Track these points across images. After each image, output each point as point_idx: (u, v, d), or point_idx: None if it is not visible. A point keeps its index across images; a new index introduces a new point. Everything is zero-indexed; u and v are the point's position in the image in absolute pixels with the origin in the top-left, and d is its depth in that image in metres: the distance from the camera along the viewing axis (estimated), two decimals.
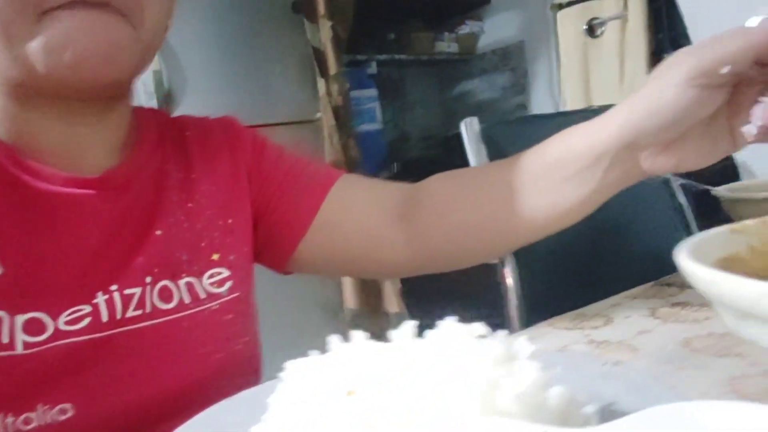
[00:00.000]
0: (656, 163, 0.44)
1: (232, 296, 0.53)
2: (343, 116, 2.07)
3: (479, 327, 0.29)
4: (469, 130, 0.81)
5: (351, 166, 2.07)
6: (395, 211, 0.58)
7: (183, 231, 0.52)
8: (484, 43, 2.81)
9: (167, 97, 1.95)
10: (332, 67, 2.02)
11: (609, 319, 0.55)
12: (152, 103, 1.90)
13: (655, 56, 1.82)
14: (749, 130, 0.38)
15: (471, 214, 0.53)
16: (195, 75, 1.92)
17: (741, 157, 1.10)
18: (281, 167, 0.59)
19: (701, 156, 0.43)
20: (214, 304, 0.51)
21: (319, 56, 2.01)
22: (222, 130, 0.59)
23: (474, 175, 0.55)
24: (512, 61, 2.70)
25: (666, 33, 1.60)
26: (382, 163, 2.54)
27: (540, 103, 2.57)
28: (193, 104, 1.89)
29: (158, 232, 0.50)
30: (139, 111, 0.56)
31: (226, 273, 0.53)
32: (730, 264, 0.32)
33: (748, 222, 0.34)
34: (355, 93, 2.27)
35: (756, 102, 0.38)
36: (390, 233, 0.57)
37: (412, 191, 0.59)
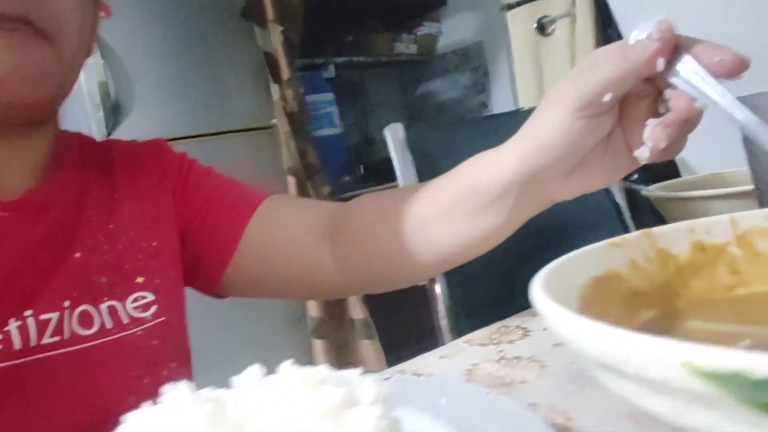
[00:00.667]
0: (562, 191, 0.42)
1: (157, 321, 0.51)
2: (299, 122, 2.03)
3: (322, 371, 0.26)
4: (393, 136, 0.78)
5: (310, 171, 2.04)
6: (323, 231, 0.57)
7: (104, 253, 0.51)
8: (444, 43, 2.80)
9: (115, 108, 1.89)
10: (285, 72, 1.98)
11: (527, 331, 0.53)
12: (99, 116, 1.85)
13: None
14: (641, 153, 0.36)
15: (389, 241, 0.52)
16: (143, 84, 1.87)
17: (681, 153, 1.08)
18: (206, 188, 0.58)
19: (606, 175, 0.41)
20: (138, 330, 0.50)
21: (271, 61, 1.98)
22: (149, 153, 0.58)
23: (395, 199, 0.53)
24: (472, 60, 2.69)
25: (614, 29, 1.59)
26: (346, 167, 2.51)
27: (501, 102, 2.57)
28: (143, 114, 1.84)
29: (77, 255, 0.49)
30: (63, 134, 0.54)
31: (150, 297, 0.52)
32: (604, 282, 0.29)
33: (629, 235, 0.32)
34: (311, 97, 2.24)
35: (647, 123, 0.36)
36: (318, 254, 0.56)
37: (340, 211, 0.58)
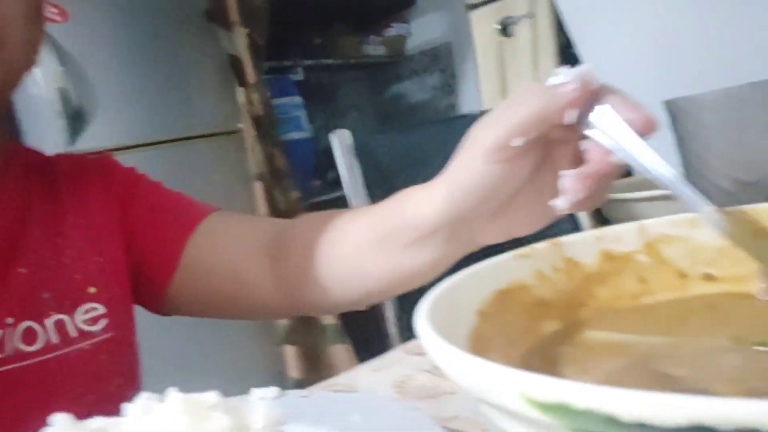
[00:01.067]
0: (488, 234, 0.41)
1: (105, 336, 0.51)
2: (266, 126, 2.01)
3: (210, 397, 0.25)
4: (340, 143, 0.77)
5: (278, 176, 2.02)
6: (265, 249, 0.55)
7: (49, 267, 0.49)
8: (413, 44, 2.80)
9: (77, 115, 1.85)
10: (251, 76, 1.96)
11: None
12: (60, 123, 1.81)
13: (566, 51, 1.83)
14: (560, 204, 0.33)
15: (323, 266, 0.51)
16: (105, 90, 1.83)
17: None
18: (150, 201, 0.57)
19: (533, 221, 0.40)
20: (85, 344, 0.49)
21: (236, 65, 1.95)
22: (97, 168, 0.57)
23: (336, 223, 0.52)
24: (441, 62, 2.70)
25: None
26: (315, 171, 2.49)
27: (468, 103, 2.57)
28: (106, 121, 1.80)
29: (21, 270, 0.48)
30: (8, 146, 0.54)
31: (101, 309, 0.51)
32: (508, 294, 0.29)
33: (537, 245, 0.31)
34: (279, 101, 2.22)
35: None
36: (259, 272, 0.55)
37: (284, 229, 0.56)
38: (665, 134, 0.54)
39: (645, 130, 0.31)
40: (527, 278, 0.30)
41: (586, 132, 0.33)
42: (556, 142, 0.37)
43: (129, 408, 0.27)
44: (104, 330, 0.50)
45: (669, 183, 0.29)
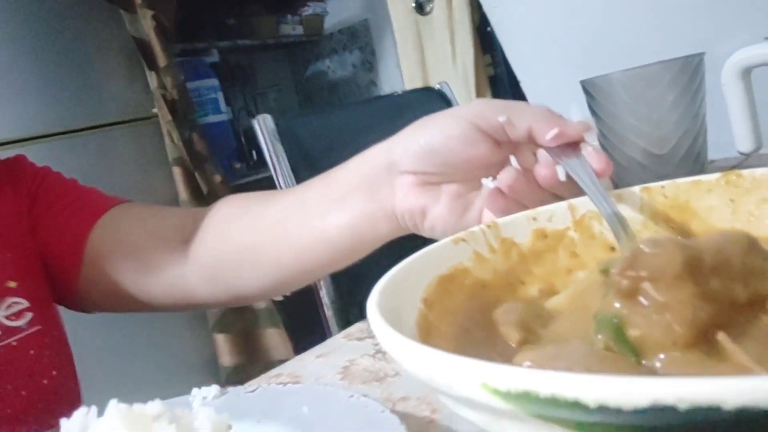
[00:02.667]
0: (408, 197, 0.42)
1: (33, 330, 0.49)
2: (182, 110, 1.94)
3: (155, 407, 0.24)
4: (263, 127, 0.75)
5: (198, 161, 1.95)
6: (178, 236, 0.55)
7: None
8: (330, 23, 2.76)
9: None
10: (161, 59, 1.87)
11: None
12: None
13: (482, 30, 1.87)
14: (486, 182, 0.38)
15: (243, 236, 0.51)
16: (1, 79, 1.69)
17: None
18: (54, 194, 0.55)
19: (448, 212, 0.41)
20: (12, 340, 0.48)
21: (144, 48, 1.86)
22: (6, 168, 0.56)
23: (257, 199, 0.52)
24: (359, 39, 2.68)
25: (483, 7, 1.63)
26: (237, 153, 2.44)
27: (389, 80, 2.58)
28: (5, 112, 1.67)
29: None
30: None
31: (25, 303, 0.49)
32: (449, 279, 0.29)
33: (474, 229, 0.32)
34: (194, 84, 2.14)
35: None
36: (172, 258, 0.54)
37: (200, 214, 0.56)
38: (584, 111, 0.57)
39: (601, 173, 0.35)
40: (466, 261, 0.31)
41: (560, 162, 0.36)
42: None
43: (66, 425, 0.25)
44: (30, 323, 0.49)
45: (608, 217, 0.30)
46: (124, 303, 0.57)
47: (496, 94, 1.93)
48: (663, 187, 0.33)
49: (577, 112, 0.38)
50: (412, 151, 0.41)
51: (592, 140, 0.38)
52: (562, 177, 0.37)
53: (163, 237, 0.55)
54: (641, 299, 0.20)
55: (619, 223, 0.30)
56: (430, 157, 0.40)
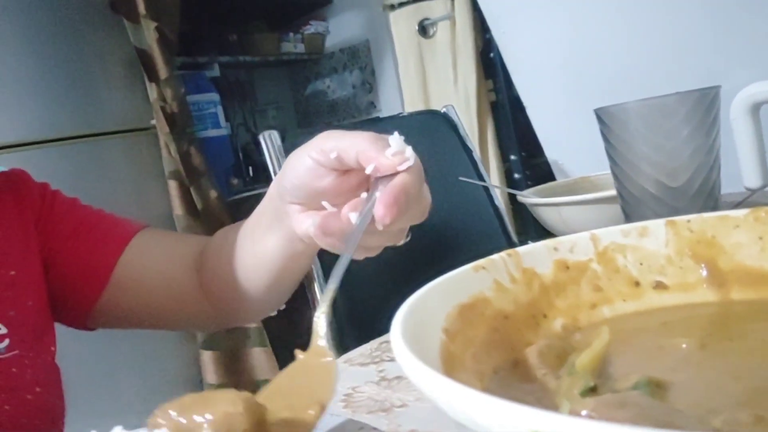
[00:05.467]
0: (299, 223, 0.46)
1: (10, 354, 0.49)
2: (181, 123, 1.92)
3: None
4: (268, 144, 0.74)
5: (194, 175, 1.94)
6: (193, 263, 0.59)
7: None
8: (332, 42, 2.78)
9: None
10: (162, 71, 1.87)
11: None
12: None
13: (485, 56, 1.88)
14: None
15: (230, 263, 0.54)
16: (2, 84, 1.68)
17: (552, 156, 1.13)
18: (72, 220, 0.57)
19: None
20: None
21: (145, 59, 1.85)
22: (8, 182, 0.56)
23: (238, 229, 0.56)
24: (360, 60, 2.69)
25: (492, 33, 1.64)
26: (234, 169, 2.42)
27: (388, 101, 2.59)
28: (3, 117, 1.66)
29: None
30: None
31: (2, 330, 0.49)
32: (471, 310, 0.28)
33: (494, 257, 0.31)
34: (194, 97, 2.13)
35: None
36: (190, 285, 0.58)
37: (206, 242, 0.60)
38: (597, 140, 0.56)
39: (380, 219, 0.36)
40: (487, 291, 0.30)
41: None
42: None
43: None
44: (8, 348, 0.49)
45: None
46: (137, 322, 0.61)
47: (498, 119, 1.93)
48: (689, 221, 0.32)
49: (396, 142, 0.39)
50: (285, 187, 0.45)
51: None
52: (354, 220, 0.39)
53: (183, 262, 0.59)
54: None
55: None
56: (296, 191, 0.44)
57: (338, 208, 0.43)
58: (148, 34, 1.81)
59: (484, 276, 0.30)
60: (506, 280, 0.30)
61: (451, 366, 0.24)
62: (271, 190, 0.49)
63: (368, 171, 0.39)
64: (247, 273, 0.53)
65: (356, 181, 0.42)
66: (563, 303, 0.31)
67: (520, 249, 0.32)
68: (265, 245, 0.50)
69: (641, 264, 0.32)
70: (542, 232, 0.69)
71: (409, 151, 0.38)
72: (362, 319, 0.74)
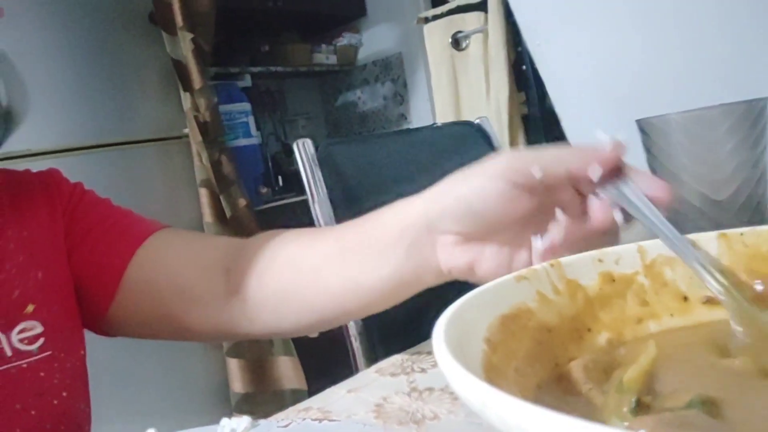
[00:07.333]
0: (453, 256, 0.41)
1: (43, 355, 0.48)
2: (213, 132, 1.95)
3: None
4: (302, 152, 0.74)
5: (225, 183, 1.96)
6: (220, 264, 0.54)
7: None
8: (364, 54, 2.79)
9: (5, 116, 1.74)
10: (197, 81, 1.90)
11: None
12: None
13: (517, 68, 1.87)
14: (535, 242, 0.36)
15: (284, 275, 0.50)
16: (40, 91, 1.73)
17: None
18: (93, 218, 0.55)
19: (496, 266, 0.40)
20: (22, 362, 0.47)
21: (180, 69, 1.89)
22: (41, 183, 0.55)
23: (296, 238, 0.52)
24: (392, 72, 2.70)
25: (525, 45, 1.63)
26: (264, 178, 2.45)
27: (419, 113, 2.59)
28: (40, 123, 1.70)
29: None
30: None
31: (38, 329, 0.49)
32: (513, 321, 0.27)
33: (537, 267, 0.30)
34: (226, 107, 2.16)
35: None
36: (211, 289, 0.53)
37: (241, 245, 0.55)
38: (638, 152, 0.55)
39: (662, 201, 0.33)
40: (530, 301, 0.29)
41: (605, 193, 0.35)
42: (561, 202, 0.38)
43: None
44: (41, 349, 0.48)
45: (678, 245, 0.29)
46: (155, 330, 0.56)
47: (529, 132, 1.92)
48: (742, 234, 0.31)
49: (605, 136, 0.36)
50: (450, 214, 0.39)
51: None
52: (619, 220, 0.35)
53: (204, 267, 0.54)
54: None
55: (701, 266, 0.27)
56: (470, 219, 0.39)
57: (497, 241, 0.39)
58: (185, 45, 1.85)
59: (526, 286, 0.29)
60: (549, 291, 0.29)
61: (493, 378, 0.23)
62: (406, 218, 0.42)
63: (593, 175, 0.34)
64: (327, 295, 0.48)
65: (536, 203, 0.37)
66: (608, 316, 0.30)
67: (563, 260, 0.31)
68: (370, 272, 0.44)
69: (691, 278, 0.30)
70: None
71: (618, 136, 0.35)
72: (391, 329, 0.73)
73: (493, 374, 0.24)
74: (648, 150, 0.53)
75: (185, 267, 0.54)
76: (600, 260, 0.31)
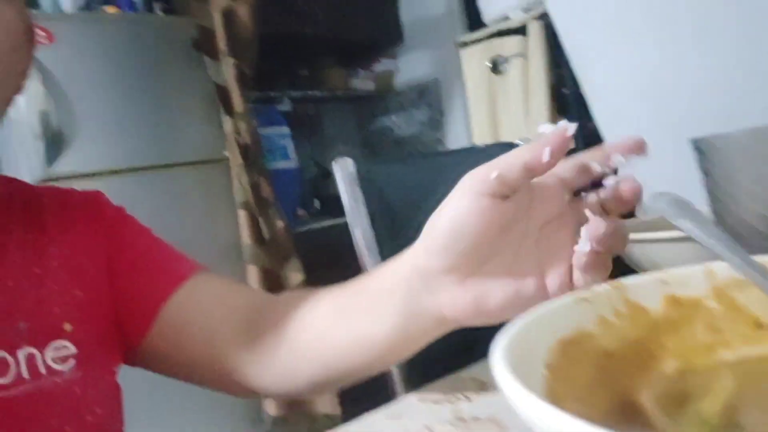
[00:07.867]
0: (455, 298, 0.38)
1: (75, 376, 0.49)
2: (253, 155, 1.98)
3: None
4: (342, 171, 0.74)
5: (263, 205, 1.98)
6: (244, 317, 0.54)
7: (26, 297, 0.48)
8: (401, 79, 2.81)
9: (56, 138, 1.81)
10: (238, 105, 1.93)
11: (483, 384, 0.49)
12: (39, 146, 1.76)
13: (557, 90, 1.84)
14: (582, 247, 0.33)
15: (298, 336, 0.50)
16: (87, 114, 1.79)
17: None
18: (136, 248, 0.56)
19: (502, 299, 0.37)
20: (56, 379, 0.48)
21: (222, 93, 1.93)
22: (85, 202, 0.56)
23: (310, 298, 0.51)
24: (428, 97, 2.71)
25: (565, 68, 1.62)
26: (301, 200, 2.47)
27: (456, 139, 2.58)
28: (86, 146, 1.76)
29: None
30: None
31: (72, 350, 0.49)
32: (574, 346, 0.26)
33: (598, 288, 0.28)
34: (265, 130, 2.19)
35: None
36: (234, 340, 0.53)
37: (266, 300, 0.55)
38: (693, 172, 0.52)
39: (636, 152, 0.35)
40: (590, 325, 0.27)
41: (646, 215, 0.34)
42: (554, 225, 0.38)
43: None
44: (74, 370, 0.49)
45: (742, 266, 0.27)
46: (180, 371, 0.56)
47: (570, 155, 1.88)
48: None
49: (549, 126, 0.36)
50: (434, 250, 0.38)
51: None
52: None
53: (232, 315, 0.54)
54: None
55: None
56: (452, 245, 0.37)
57: (495, 273, 0.37)
58: (227, 70, 1.89)
59: (587, 309, 0.27)
60: (610, 315, 0.28)
61: (556, 405, 0.22)
62: (394, 274, 0.42)
63: (545, 157, 0.35)
64: (335, 350, 0.47)
65: (516, 212, 0.37)
66: (675, 343, 0.28)
67: (626, 281, 0.29)
68: (371, 326, 0.44)
69: (765, 303, 0.28)
70: (623, 267, 0.65)
71: (562, 122, 0.36)
72: (429, 353, 0.71)
73: (555, 401, 0.22)
74: (705, 172, 0.50)
75: (216, 314, 0.54)
76: (665, 282, 0.29)
